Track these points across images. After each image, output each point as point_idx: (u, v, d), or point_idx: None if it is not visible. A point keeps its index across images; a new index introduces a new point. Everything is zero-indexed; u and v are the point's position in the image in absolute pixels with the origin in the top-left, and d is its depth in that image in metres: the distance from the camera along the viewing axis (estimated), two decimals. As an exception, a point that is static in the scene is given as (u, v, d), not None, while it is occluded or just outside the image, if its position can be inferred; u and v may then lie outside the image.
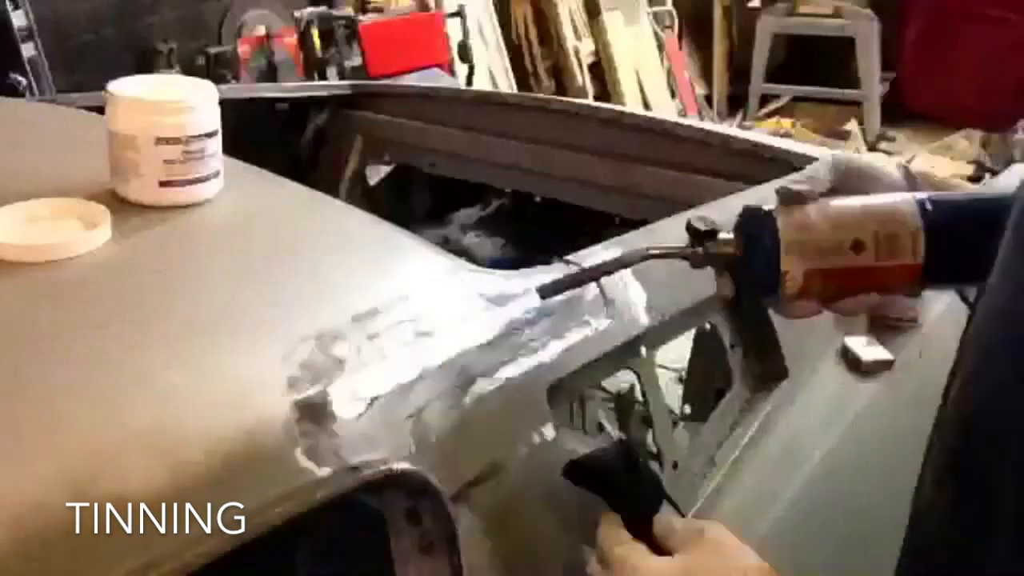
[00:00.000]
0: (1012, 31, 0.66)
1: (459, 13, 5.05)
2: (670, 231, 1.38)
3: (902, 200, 0.88)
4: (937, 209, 0.87)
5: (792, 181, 0.90)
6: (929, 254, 0.86)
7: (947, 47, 0.68)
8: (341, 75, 4.50)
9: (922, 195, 0.88)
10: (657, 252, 0.97)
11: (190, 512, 0.74)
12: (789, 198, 0.87)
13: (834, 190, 0.90)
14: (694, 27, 6.80)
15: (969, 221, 0.85)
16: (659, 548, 0.87)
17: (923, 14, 0.67)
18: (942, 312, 1.66)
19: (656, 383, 1.27)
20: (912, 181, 0.93)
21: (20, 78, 4.00)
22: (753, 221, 0.89)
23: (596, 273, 1.00)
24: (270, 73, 4.78)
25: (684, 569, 0.83)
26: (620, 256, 1.00)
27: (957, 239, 0.86)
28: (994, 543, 0.56)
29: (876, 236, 0.86)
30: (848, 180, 0.91)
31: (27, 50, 4.05)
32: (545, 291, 0.95)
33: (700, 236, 0.90)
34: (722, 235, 0.90)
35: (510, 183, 2.46)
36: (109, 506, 0.71)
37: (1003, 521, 0.55)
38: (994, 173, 2.07)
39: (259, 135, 2.21)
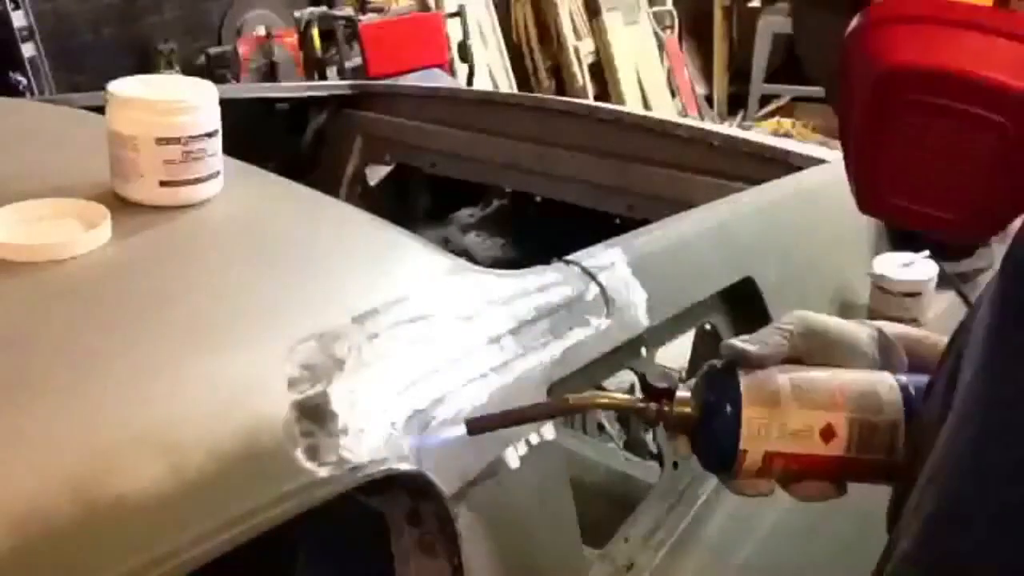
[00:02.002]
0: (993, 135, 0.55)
1: (459, 13, 5.05)
2: (670, 231, 1.39)
3: (883, 383, 0.77)
4: (922, 399, 0.76)
5: (747, 340, 0.80)
6: (908, 449, 0.75)
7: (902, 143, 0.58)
8: (341, 75, 4.50)
9: (905, 377, 0.78)
10: (606, 402, 0.89)
11: (190, 512, 0.74)
12: (750, 363, 0.78)
13: (799, 355, 0.80)
14: (694, 27, 6.80)
15: None
16: None
17: (865, 92, 0.58)
18: (942, 312, 1.66)
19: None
20: (888, 351, 0.81)
21: (20, 78, 4.00)
22: (715, 385, 0.79)
23: (526, 416, 0.89)
24: (270, 73, 4.78)
25: None
26: (563, 401, 0.90)
27: None
28: None
29: (851, 425, 0.76)
30: (815, 349, 0.80)
31: (27, 50, 4.05)
32: (472, 427, 0.85)
33: (657, 395, 0.81)
34: (680, 394, 0.81)
35: (510, 183, 2.46)
36: (109, 506, 0.71)
37: None
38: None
39: (259, 135, 2.21)
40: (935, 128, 0.57)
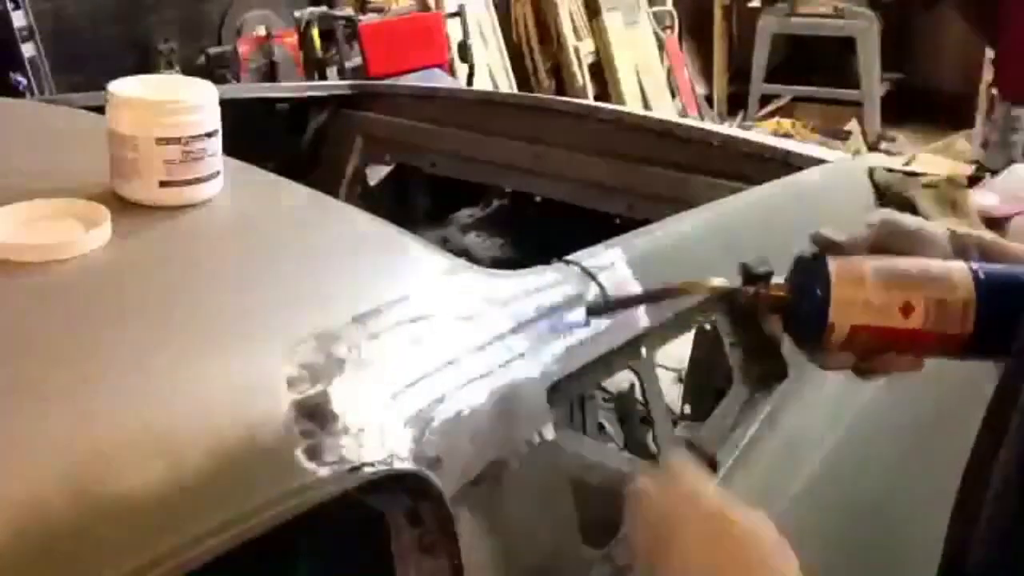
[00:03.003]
0: None
1: (459, 13, 5.04)
2: (670, 231, 1.39)
3: (956, 268, 0.87)
4: (991, 280, 0.86)
5: (835, 231, 0.90)
6: (977, 326, 0.85)
7: None
8: (341, 75, 4.50)
9: (976, 264, 0.87)
10: (710, 286, 0.97)
11: (190, 512, 0.74)
12: (838, 250, 0.88)
13: (879, 246, 0.90)
14: (694, 27, 6.80)
15: (1021, 295, 0.84)
16: None
17: None
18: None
19: (656, 383, 1.27)
20: (961, 247, 0.91)
21: (20, 78, 4.00)
22: (807, 269, 0.89)
23: (646, 299, 1.07)
24: (270, 73, 4.78)
25: None
26: (671, 285, 1.01)
27: (1007, 314, 0.83)
28: None
29: (927, 301, 0.86)
30: (895, 241, 0.90)
31: (27, 50, 4.05)
32: (593, 310, 0.99)
33: (754, 279, 0.91)
34: (775, 279, 0.90)
35: (510, 183, 2.46)
36: (108, 506, 0.71)
37: None
38: (994, 173, 2.07)
39: (259, 135, 2.21)
40: None
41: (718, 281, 0.95)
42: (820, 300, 0.86)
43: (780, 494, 1.30)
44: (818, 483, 1.34)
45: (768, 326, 0.94)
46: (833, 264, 0.87)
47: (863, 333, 0.86)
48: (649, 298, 1.05)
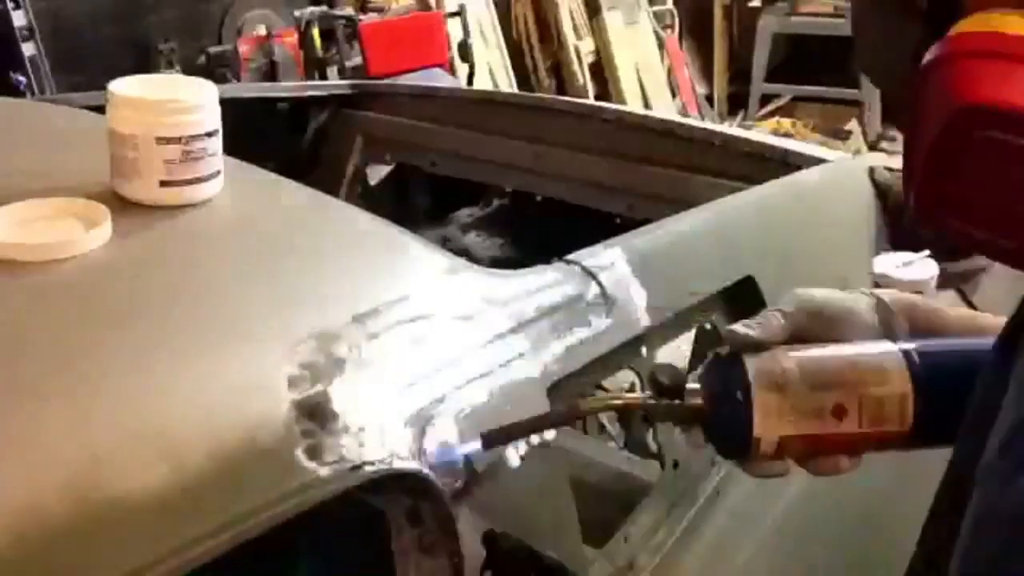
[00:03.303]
0: None
1: (459, 13, 5.05)
2: (670, 230, 1.39)
3: (889, 355, 0.78)
4: (928, 365, 0.78)
5: (748, 324, 0.80)
6: (917, 418, 0.77)
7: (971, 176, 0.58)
8: (341, 75, 4.50)
9: (907, 345, 0.79)
10: (617, 403, 0.91)
11: (190, 512, 0.74)
12: (751, 346, 0.79)
13: (800, 334, 0.81)
14: (694, 26, 6.80)
15: (962, 376, 0.72)
16: None
17: (939, 124, 0.58)
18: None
19: (656, 383, 1.27)
20: (888, 319, 0.82)
21: (21, 77, 4.00)
22: (723, 374, 0.79)
23: (540, 425, 0.92)
24: (270, 73, 4.78)
25: None
26: (575, 407, 0.92)
27: (949, 398, 0.72)
28: None
29: (861, 400, 0.77)
30: (815, 323, 0.81)
31: (28, 49, 4.05)
32: (488, 441, 0.87)
33: (664, 392, 0.81)
34: (689, 386, 0.81)
35: (510, 183, 2.46)
36: (108, 506, 0.71)
37: None
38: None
39: (259, 135, 2.21)
40: (1010, 165, 0.57)
41: (628, 396, 0.86)
42: (742, 413, 0.77)
43: (779, 495, 1.30)
44: (816, 484, 1.33)
45: (688, 439, 0.84)
46: (752, 366, 0.78)
47: (794, 442, 0.78)
48: (542, 425, 0.92)
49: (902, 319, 0.83)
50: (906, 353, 0.78)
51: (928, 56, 0.60)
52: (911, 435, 0.78)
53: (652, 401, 0.82)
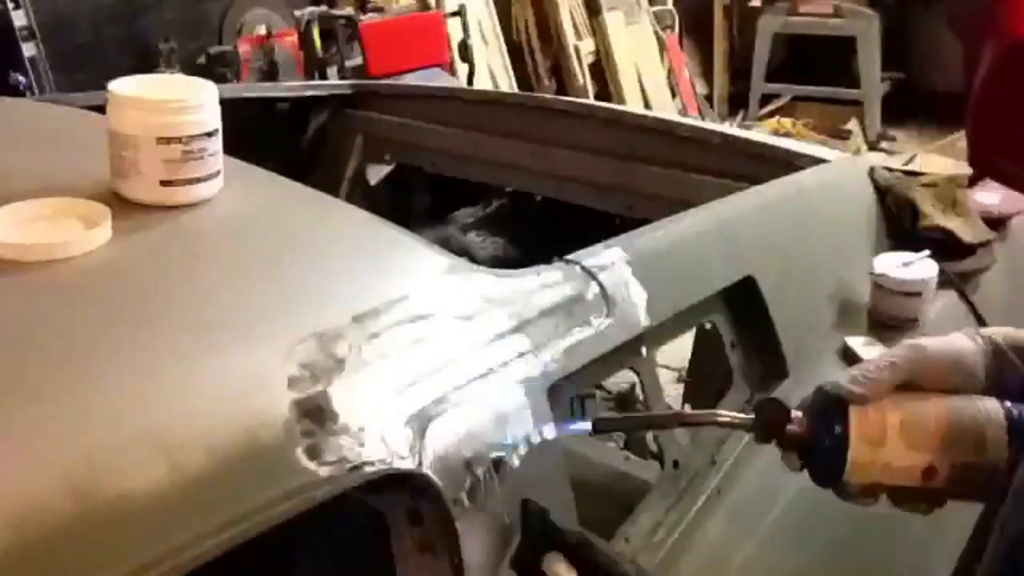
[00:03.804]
0: None
1: (459, 12, 5.04)
2: (670, 230, 1.39)
3: (992, 422, 0.78)
4: None
5: (854, 372, 0.83)
6: (1004, 485, 0.75)
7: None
8: (342, 75, 4.50)
9: (1014, 407, 0.79)
10: (724, 420, 0.92)
11: (190, 512, 0.74)
12: (859, 400, 0.81)
13: (907, 382, 0.82)
14: (695, 26, 6.80)
15: None
16: None
17: (992, 59, 0.61)
18: (942, 312, 1.66)
19: (656, 383, 1.27)
20: (1002, 362, 0.82)
21: (21, 77, 4.00)
22: (826, 413, 0.82)
23: (648, 424, 1.03)
24: (270, 73, 4.78)
25: None
26: (681, 413, 0.99)
27: None
28: None
29: (952, 467, 0.78)
30: (924, 371, 0.82)
31: (28, 49, 4.05)
32: (600, 427, 0.93)
33: (772, 417, 0.84)
34: (794, 413, 0.84)
35: (510, 183, 2.46)
36: (108, 506, 0.71)
37: None
38: (994, 173, 2.06)
39: (259, 135, 2.21)
40: None
41: (735, 415, 0.89)
42: (838, 454, 0.80)
43: (779, 494, 1.30)
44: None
45: (785, 459, 0.87)
46: (854, 417, 0.81)
47: (881, 489, 0.82)
48: (650, 424, 1.00)
49: (1019, 363, 0.82)
50: (1010, 417, 0.78)
51: None
52: (999, 496, 0.76)
53: (757, 424, 0.85)
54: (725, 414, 0.89)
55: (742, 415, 0.87)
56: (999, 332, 0.84)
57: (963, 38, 0.69)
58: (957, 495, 0.81)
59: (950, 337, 0.84)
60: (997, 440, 0.78)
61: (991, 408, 0.79)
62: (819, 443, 0.82)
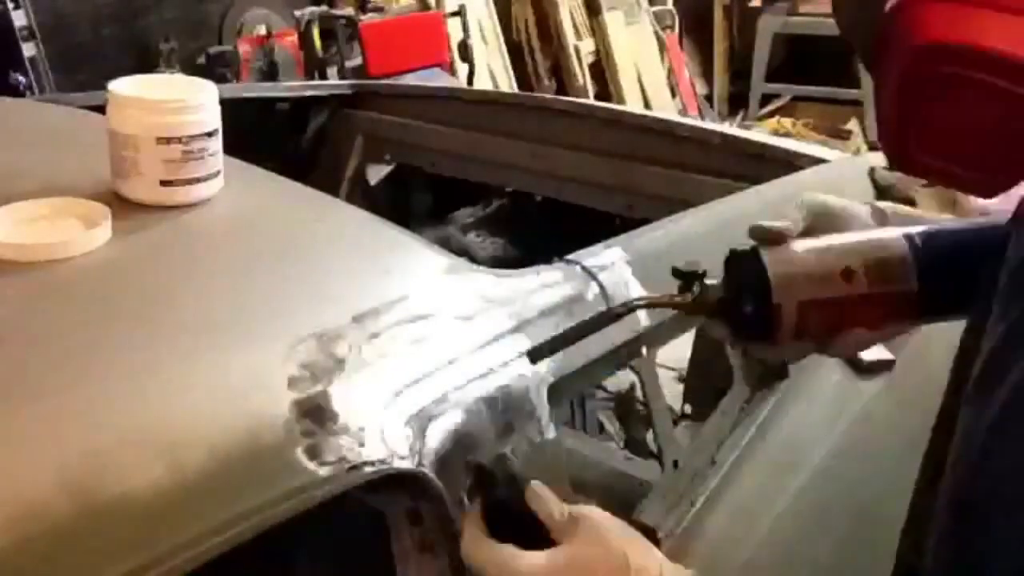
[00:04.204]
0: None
1: (459, 12, 5.05)
2: (670, 230, 1.39)
3: (885, 231, 0.88)
4: (923, 237, 0.86)
5: (767, 222, 0.90)
6: (921, 279, 0.85)
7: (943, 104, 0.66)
8: (341, 75, 4.50)
9: (907, 228, 0.88)
10: (644, 303, 0.98)
11: (190, 512, 0.74)
12: (766, 237, 0.88)
13: (808, 231, 0.89)
14: (695, 26, 6.80)
15: (958, 249, 0.85)
16: (534, 541, 0.81)
17: (902, 63, 0.66)
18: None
19: (656, 383, 1.27)
20: (883, 219, 0.92)
21: (21, 77, 4.00)
22: (739, 262, 0.88)
23: (581, 332, 1.00)
24: (270, 73, 4.78)
25: (557, 565, 0.78)
26: (608, 309, 1.00)
27: (948, 266, 0.84)
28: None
29: (865, 262, 0.85)
30: (820, 222, 0.90)
31: (28, 49, 4.06)
32: (534, 355, 0.97)
33: (688, 280, 0.89)
34: (709, 280, 0.89)
35: (510, 183, 2.46)
36: (108, 505, 0.71)
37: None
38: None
39: (259, 135, 2.21)
40: (964, 98, 0.64)
41: (656, 296, 0.94)
42: (759, 287, 0.85)
43: (780, 494, 1.30)
44: (817, 483, 1.34)
45: (714, 330, 0.91)
46: (766, 253, 0.87)
47: (811, 310, 0.85)
48: (588, 328, 1.00)
49: (897, 221, 0.91)
50: (904, 232, 0.87)
51: (890, 3, 0.67)
52: (919, 298, 0.85)
53: (678, 298, 0.90)
54: (646, 297, 0.97)
55: (666, 295, 0.91)
56: (885, 204, 0.96)
57: (862, 49, 0.72)
58: (883, 303, 0.85)
59: (841, 199, 0.93)
60: (894, 239, 0.86)
61: (884, 228, 0.88)
62: (740, 285, 0.87)
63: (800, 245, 0.87)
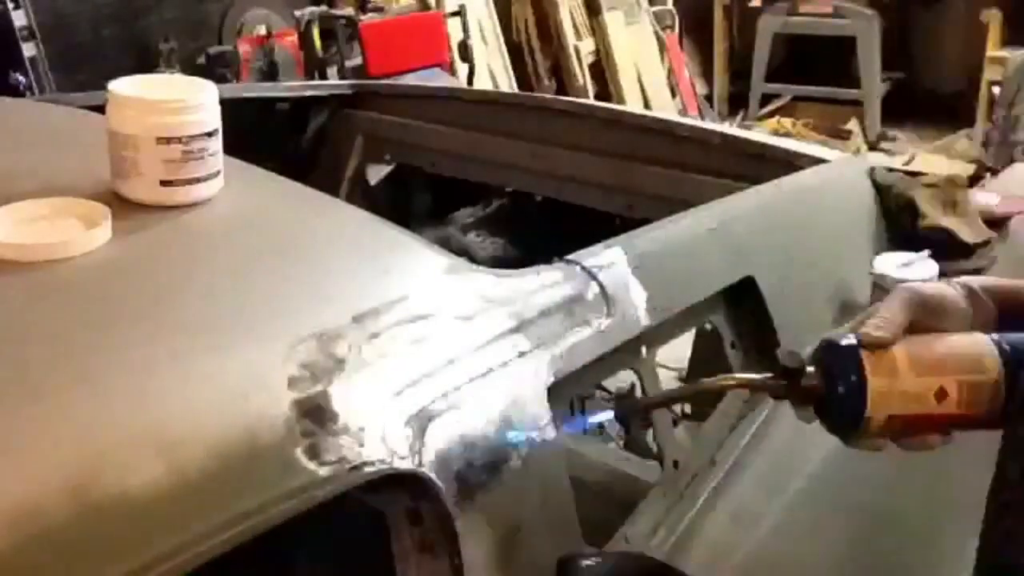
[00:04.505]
0: None
1: (459, 12, 5.05)
2: (670, 230, 1.39)
3: (984, 347, 0.88)
4: (1016, 354, 0.88)
5: (870, 322, 0.90)
6: (1007, 400, 0.87)
7: None
8: (342, 75, 4.50)
9: (998, 337, 0.89)
10: (735, 383, 1.01)
11: (190, 512, 0.74)
12: (875, 345, 0.88)
13: (907, 327, 0.90)
14: (695, 26, 6.80)
15: None
16: None
17: None
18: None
19: (656, 383, 1.27)
20: (976, 301, 0.93)
21: (21, 77, 4.01)
22: (839, 361, 0.89)
23: (672, 400, 1.10)
24: (270, 73, 4.78)
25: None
26: (698, 384, 1.02)
27: None
28: None
29: (960, 386, 0.87)
30: (919, 316, 0.90)
31: (28, 49, 4.06)
32: (622, 407, 1.02)
33: (786, 372, 0.90)
34: (809, 369, 0.90)
35: (510, 183, 2.46)
36: (109, 505, 0.71)
37: None
38: (995, 172, 2.07)
39: (259, 135, 2.21)
40: None
41: (749, 376, 0.96)
42: (856, 393, 0.87)
43: (780, 494, 1.30)
44: (817, 483, 1.34)
45: (801, 414, 0.93)
46: (867, 360, 0.88)
47: (899, 421, 0.88)
48: (681, 398, 1.11)
49: (990, 302, 0.93)
50: (997, 343, 0.88)
51: None
52: (999, 414, 0.87)
53: (772, 382, 0.91)
54: (737, 377, 0.98)
55: (759, 376, 0.93)
56: (971, 279, 0.95)
57: None
58: (967, 418, 0.88)
59: (937, 285, 0.94)
60: (991, 359, 0.87)
61: (979, 338, 0.89)
62: (838, 385, 0.88)
63: (900, 356, 0.88)
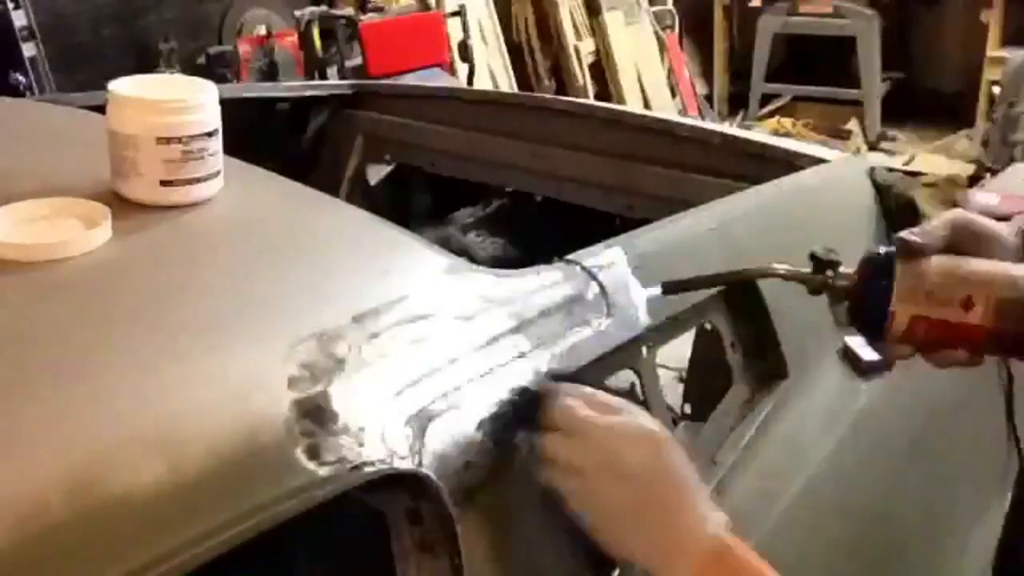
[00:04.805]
0: None
1: (459, 12, 5.05)
2: (670, 230, 1.39)
3: (1021, 268, 0.89)
4: None
5: (911, 232, 0.92)
6: None
7: None
8: (342, 75, 4.50)
9: None
10: (780, 272, 1.04)
11: (190, 511, 0.74)
12: (908, 249, 0.91)
13: (950, 247, 0.91)
14: (695, 26, 6.81)
15: None
16: None
17: None
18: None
19: (656, 383, 1.27)
20: None
21: (21, 77, 4.01)
22: (875, 263, 0.93)
23: (717, 281, 1.13)
24: (270, 73, 4.78)
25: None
26: (742, 269, 1.08)
27: None
28: None
29: (988, 298, 0.88)
30: (965, 240, 0.91)
31: (28, 49, 4.06)
32: (668, 288, 1.06)
33: (823, 265, 0.95)
34: (843, 269, 0.95)
35: (510, 183, 2.46)
36: (108, 505, 0.71)
37: None
38: (994, 172, 2.07)
39: (259, 135, 2.21)
40: None
41: (790, 267, 1.01)
42: (884, 289, 0.90)
43: (780, 494, 1.30)
44: (817, 483, 1.34)
45: (833, 312, 0.97)
46: (900, 268, 0.91)
47: (923, 325, 0.89)
48: (719, 280, 1.15)
49: None
50: None
51: None
52: None
53: (811, 275, 0.96)
54: (782, 267, 1.02)
55: (798, 269, 0.98)
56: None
57: None
58: (996, 340, 0.88)
59: (986, 219, 0.95)
60: None
61: (1021, 266, 0.90)
62: (868, 282, 0.92)
63: (934, 263, 0.90)
